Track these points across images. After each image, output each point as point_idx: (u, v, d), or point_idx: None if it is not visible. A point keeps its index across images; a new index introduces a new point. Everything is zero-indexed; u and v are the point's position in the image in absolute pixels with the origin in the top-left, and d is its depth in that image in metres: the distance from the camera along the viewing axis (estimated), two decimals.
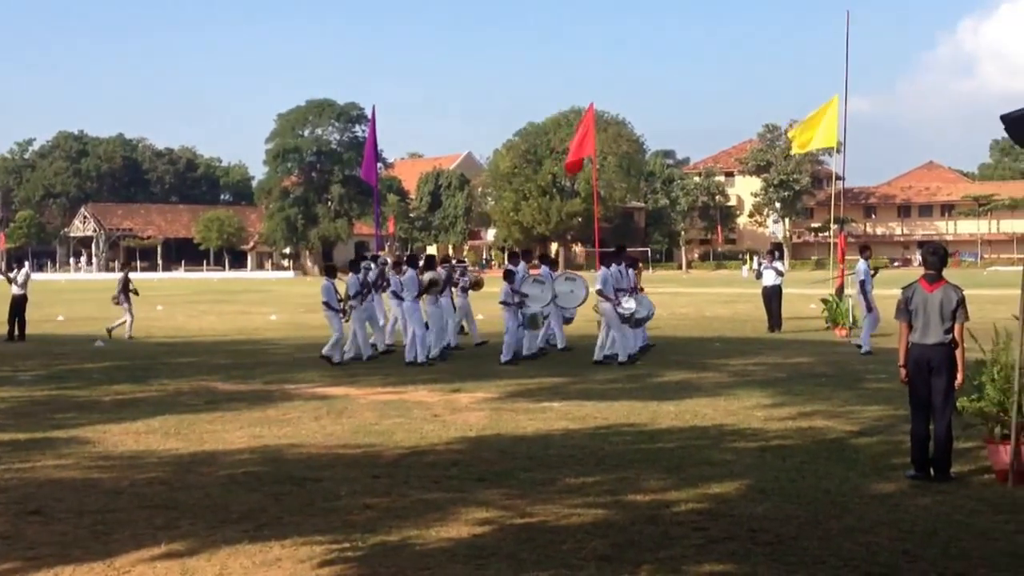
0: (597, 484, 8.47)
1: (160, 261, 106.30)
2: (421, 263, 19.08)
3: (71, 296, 45.87)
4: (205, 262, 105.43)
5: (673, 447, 10.12)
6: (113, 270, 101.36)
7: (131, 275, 25.54)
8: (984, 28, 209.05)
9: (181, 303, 41.10)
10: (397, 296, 18.20)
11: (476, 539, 6.88)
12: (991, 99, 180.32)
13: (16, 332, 22.98)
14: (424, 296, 18.29)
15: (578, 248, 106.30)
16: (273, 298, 46.47)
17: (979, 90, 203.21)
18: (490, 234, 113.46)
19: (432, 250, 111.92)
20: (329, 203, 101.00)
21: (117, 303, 24.23)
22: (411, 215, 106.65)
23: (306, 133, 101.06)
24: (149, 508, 7.82)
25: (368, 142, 28.46)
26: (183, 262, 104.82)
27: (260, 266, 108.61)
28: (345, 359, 17.94)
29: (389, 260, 21.10)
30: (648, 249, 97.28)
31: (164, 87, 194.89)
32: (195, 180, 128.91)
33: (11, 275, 23.93)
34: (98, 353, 20.44)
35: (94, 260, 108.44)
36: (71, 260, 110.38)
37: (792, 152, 69.81)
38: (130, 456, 9.95)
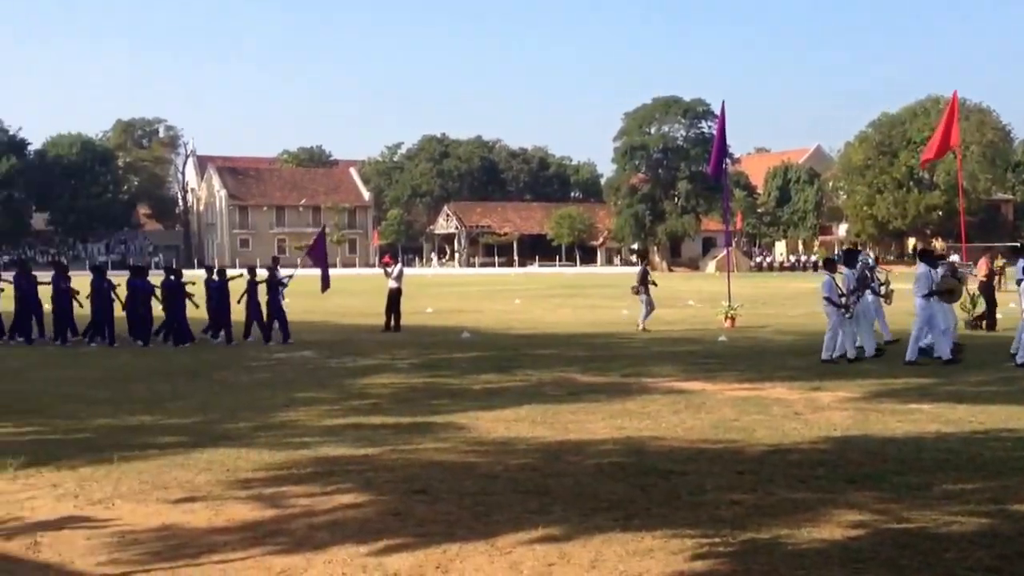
0: (977, 491, 8.04)
1: (516, 257, 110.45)
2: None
3: (437, 290, 48.59)
4: (557, 257, 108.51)
5: None
6: (474, 265, 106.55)
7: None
8: None
9: (537, 297, 42.55)
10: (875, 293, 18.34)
11: (851, 542, 6.72)
12: None
13: (392, 323, 24.66)
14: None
15: (938, 243, 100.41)
16: (623, 293, 47.03)
17: None
18: (841, 229, 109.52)
19: (780, 246, 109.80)
20: (676, 199, 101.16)
21: (636, 293, 25.26)
22: (759, 210, 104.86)
23: (653, 131, 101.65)
24: (523, 493, 8.19)
25: (716, 138, 28.29)
26: (537, 257, 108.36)
27: (609, 261, 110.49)
28: (834, 357, 17.41)
29: (869, 257, 20.90)
30: (1020, 243, 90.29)
31: (516, 90, 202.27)
32: (547, 179, 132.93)
33: (388, 270, 25.70)
34: (465, 344, 21.57)
35: (456, 255, 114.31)
36: (432, 256, 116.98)
37: None
38: (502, 442, 10.46)
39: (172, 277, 21.82)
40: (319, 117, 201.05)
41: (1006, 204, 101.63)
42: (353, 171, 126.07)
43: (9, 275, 23.85)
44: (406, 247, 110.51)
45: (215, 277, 22.59)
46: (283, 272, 23.22)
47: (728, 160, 73.00)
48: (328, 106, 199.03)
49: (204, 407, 12.72)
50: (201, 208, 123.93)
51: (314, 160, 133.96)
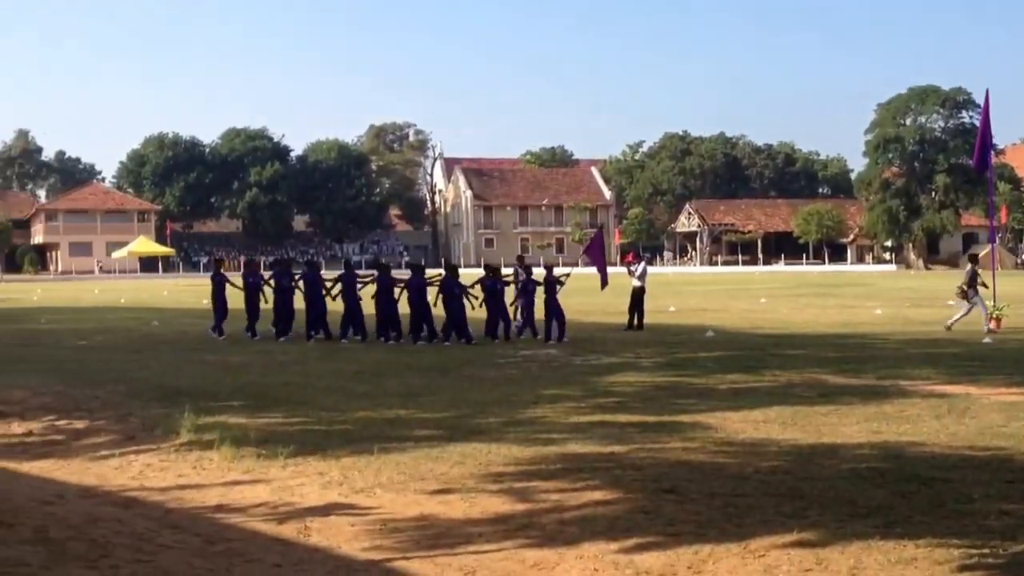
0: None
1: (760, 255, 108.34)
2: None
3: (679, 288, 48.27)
4: (804, 255, 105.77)
5: None
6: (716, 263, 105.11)
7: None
8: None
9: (783, 296, 41.60)
10: None
11: None
12: None
13: (635, 321, 24.64)
14: None
15: None
16: (876, 292, 45.42)
17: None
18: None
19: None
20: (933, 193, 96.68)
21: (963, 296, 24.30)
22: None
23: (908, 122, 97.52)
24: (775, 495, 8.01)
25: (980, 129, 26.91)
26: (782, 255, 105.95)
27: (860, 259, 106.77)
28: None
29: None
30: None
31: (761, 84, 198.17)
32: (793, 175, 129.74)
33: (631, 269, 25.69)
34: (709, 343, 21.32)
35: (696, 254, 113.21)
36: (665, 254, 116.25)
37: None
38: (751, 443, 10.27)
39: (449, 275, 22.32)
40: (561, 117, 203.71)
41: None
42: (594, 170, 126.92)
43: (297, 272, 24.33)
44: (647, 246, 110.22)
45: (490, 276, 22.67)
46: (559, 271, 23.65)
47: (992, 152, 69.06)
48: (570, 106, 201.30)
49: (455, 402, 13.09)
50: (448, 209, 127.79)
51: (556, 160, 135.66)
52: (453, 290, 21.55)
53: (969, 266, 24.89)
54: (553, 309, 21.89)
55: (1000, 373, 15.49)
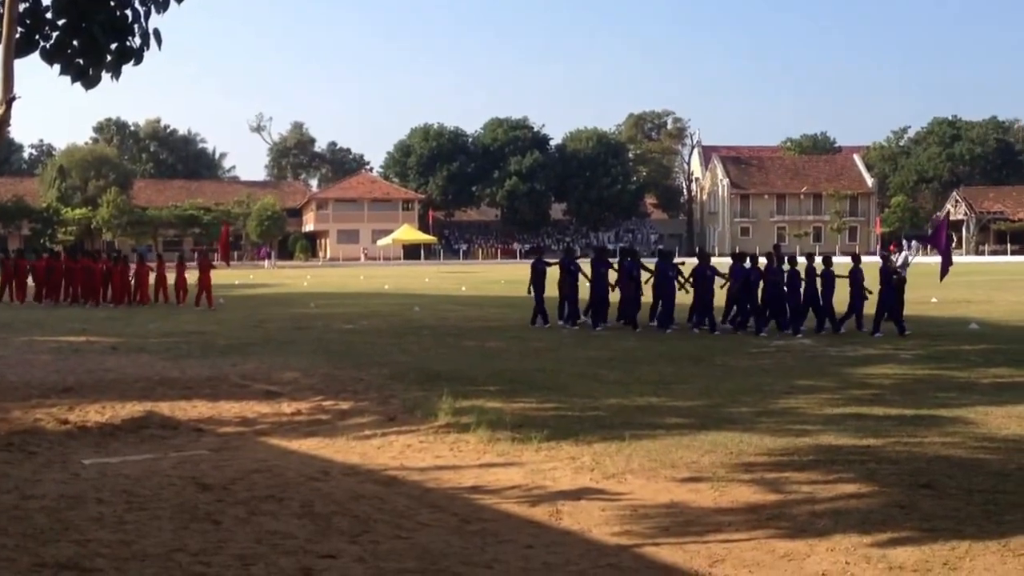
0: None
1: None
2: None
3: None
4: None
5: None
6: (983, 253, 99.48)
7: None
8: None
9: None
10: None
11: None
12: None
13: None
14: None
15: None
16: None
17: None
18: None
19: None
20: None
21: None
22: None
23: None
24: None
25: None
26: None
27: None
28: None
29: None
30: None
31: None
32: None
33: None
34: (973, 336, 20.42)
35: (963, 244, 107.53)
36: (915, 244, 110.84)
37: None
38: (1014, 440, 9.90)
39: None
40: (825, 103, 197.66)
41: None
42: (856, 157, 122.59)
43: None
44: (910, 235, 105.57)
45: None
46: (900, 258, 23.24)
47: None
48: (833, 92, 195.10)
49: (707, 391, 13.15)
50: (704, 197, 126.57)
51: (817, 147, 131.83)
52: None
53: None
54: (885, 301, 20.94)
55: None
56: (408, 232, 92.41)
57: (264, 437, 10.70)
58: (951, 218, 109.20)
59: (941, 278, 23.37)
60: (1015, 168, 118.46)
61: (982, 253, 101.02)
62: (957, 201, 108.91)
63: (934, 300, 30.64)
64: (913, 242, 42.24)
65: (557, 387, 13.60)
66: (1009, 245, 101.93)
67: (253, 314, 28.08)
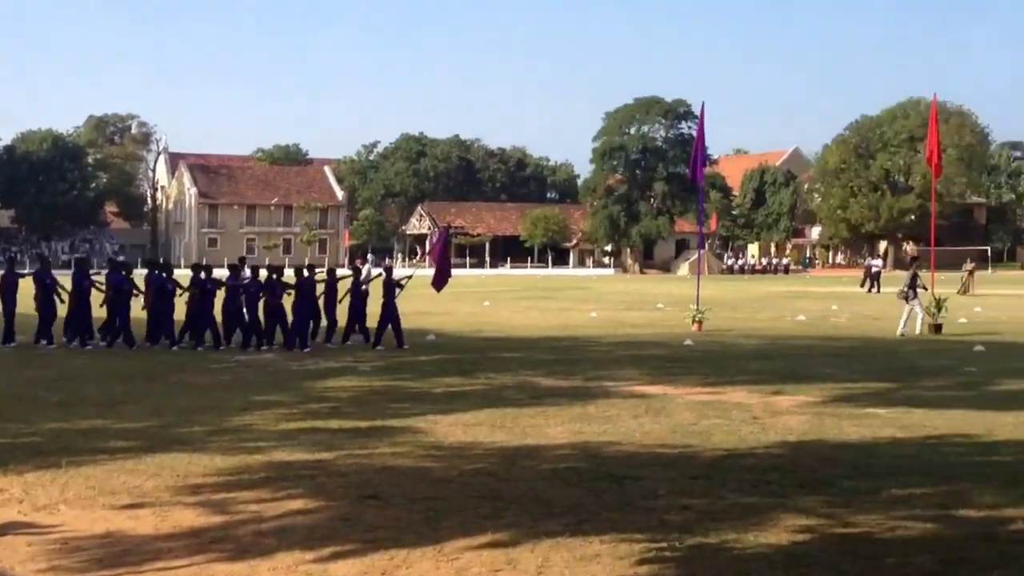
0: (925, 496, 8.09)
1: (488, 258, 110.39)
2: None
3: (406, 291, 48.32)
4: (530, 259, 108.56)
5: (1011, 460, 9.52)
6: None
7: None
8: None
9: (506, 299, 42.52)
10: None
11: (796, 547, 6.73)
12: None
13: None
14: None
15: (909, 247, 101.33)
16: (594, 295, 47.14)
17: None
18: (814, 232, 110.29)
19: (753, 249, 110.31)
20: (652, 200, 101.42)
21: (904, 298, 24.00)
22: (734, 212, 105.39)
23: (632, 131, 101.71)
24: (476, 498, 8.16)
25: (697, 139, 28.49)
26: (509, 259, 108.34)
27: (581, 263, 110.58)
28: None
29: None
30: (988, 248, 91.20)
31: (496, 88, 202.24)
32: (524, 179, 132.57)
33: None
34: (430, 347, 21.52)
35: (427, 257, 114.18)
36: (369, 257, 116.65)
37: None
38: (458, 447, 10.42)
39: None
40: (297, 115, 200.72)
41: (979, 208, 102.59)
42: (327, 170, 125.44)
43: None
44: (376, 248, 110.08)
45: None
46: (400, 273, 23.11)
47: (707, 162, 72.73)
48: (305, 104, 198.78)
49: (159, 410, 12.59)
50: (170, 206, 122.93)
51: (290, 158, 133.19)
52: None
53: (911, 268, 25.52)
54: (389, 314, 21.15)
55: (696, 374, 16.42)
56: None
57: None
58: (415, 232, 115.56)
59: (438, 289, 23.91)
60: (475, 185, 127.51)
61: None
62: (421, 215, 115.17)
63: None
64: (371, 256, 43.99)
65: None
66: (468, 258, 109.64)
67: None
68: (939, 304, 24.08)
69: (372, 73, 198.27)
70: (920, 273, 24.82)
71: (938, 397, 13.65)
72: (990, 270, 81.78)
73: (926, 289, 24.70)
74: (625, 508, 7.82)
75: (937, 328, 23.78)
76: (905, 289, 23.84)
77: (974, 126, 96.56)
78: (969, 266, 45.78)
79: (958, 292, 23.77)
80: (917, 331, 23.34)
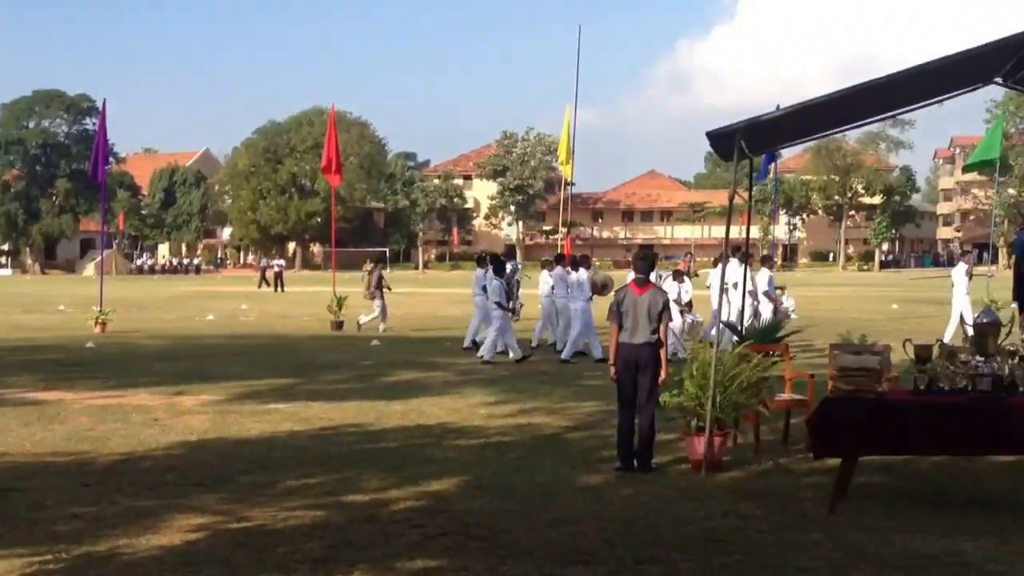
0: (318, 485, 8.50)
1: None
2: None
3: None
4: None
5: (397, 446, 10.27)
6: None
7: None
8: (698, 48, 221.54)
9: None
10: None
11: (189, 546, 6.76)
12: (704, 113, 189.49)
13: None
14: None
15: (316, 248, 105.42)
16: None
17: (693, 104, 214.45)
18: (226, 233, 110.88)
19: (164, 249, 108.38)
20: (54, 198, 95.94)
21: (371, 298, 24.77)
22: (143, 212, 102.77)
23: (32, 125, 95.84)
24: None
25: (98, 136, 27.34)
26: None
27: None
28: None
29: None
30: (387, 249, 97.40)
31: None
32: None
33: None
34: None
35: None
36: None
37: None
38: None
39: None
40: None
41: (379, 212, 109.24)
42: None
43: None
44: None
45: None
46: None
47: (112, 160, 70.56)
48: None
49: None
50: None
51: None
52: None
53: (375, 269, 25.80)
54: None
55: (97, 377, 15.82)
56: None
57: None
58: None
59: None
60: None
61: None
62: None
63: None
64: None
65: None
66: None
67: None
68: (340, 302, 25.31)
69: None
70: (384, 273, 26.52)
71: (335, 390, 14.35)
72: (389, 270, 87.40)
73: (390, 289, 26.13)
74: (8, 522, 7.35)
75: (339, 325, 24.99)
76: (373, 289, 25.07)
77: (373, 136, 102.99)
78: (368, 266, 48.49)
79: (364, 297, 25.29)
80: (382, 329, 24.27)
